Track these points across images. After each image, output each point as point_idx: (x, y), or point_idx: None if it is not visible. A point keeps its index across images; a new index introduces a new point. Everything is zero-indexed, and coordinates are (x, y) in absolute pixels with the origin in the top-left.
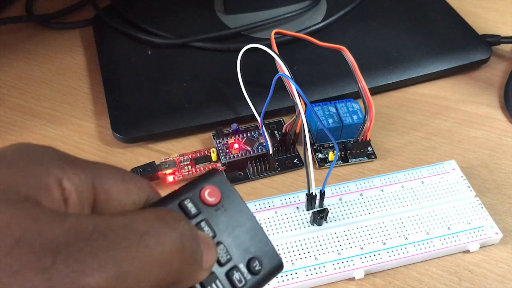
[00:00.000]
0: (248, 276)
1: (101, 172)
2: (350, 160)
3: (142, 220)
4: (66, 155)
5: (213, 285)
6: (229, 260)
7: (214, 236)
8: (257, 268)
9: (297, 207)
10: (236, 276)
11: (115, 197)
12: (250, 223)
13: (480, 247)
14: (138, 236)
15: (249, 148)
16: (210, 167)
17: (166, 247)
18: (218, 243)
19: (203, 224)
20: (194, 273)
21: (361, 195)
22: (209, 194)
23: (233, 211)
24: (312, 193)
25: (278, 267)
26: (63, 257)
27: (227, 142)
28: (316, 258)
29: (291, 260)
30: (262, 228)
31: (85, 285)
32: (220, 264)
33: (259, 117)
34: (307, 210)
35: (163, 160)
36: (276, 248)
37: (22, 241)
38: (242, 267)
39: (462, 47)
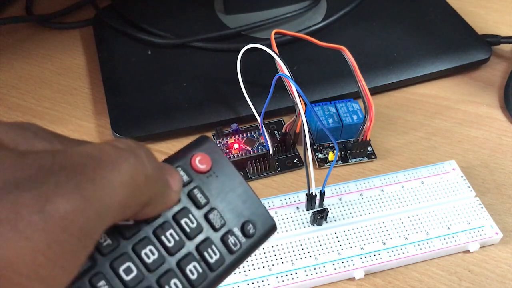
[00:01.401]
0: (243, 239)
1: (87, 143)
2: (350, 160)
3: (93, 147)
4: (55, 132)
5: (209, 250)
6: (223, 225)
7: (207, 203)
8: (251, 231)
9: (297, 207)
10: (231, 240)
11: None
12: (242, 188)
13: (480, 247)
14: (92, 161)
15: (249, 148)
16: None
17: (124, 167)
18: (212, 209)
19: (196, 191)
20: (164, 193)
21: (361, 195)
22: (200, 161)
23: (224, 177)
24: (312, 193)
25: (271, 229)
26: (26, 191)
27: (227, 142)
28: (316, 258)
29: (291, 260)
30: (253, 191)
31: (54, 211)
32: (215, 229)
33: (259, 117)
34: (307, 210)
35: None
36: (269, 210)
37: None
38: (237, 231)
39: (462, 47)
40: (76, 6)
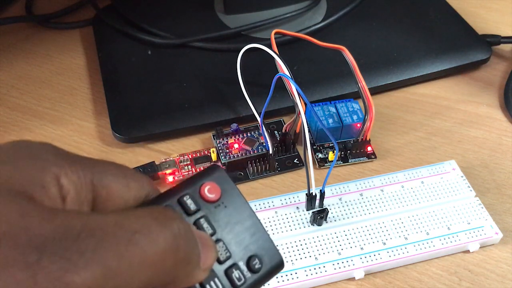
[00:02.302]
0: (248, 274)
1: (100, 169)
2: (350, 160)
3: (134, 218)
4: (65, 152)
5: (212, 283)
6: (228, 258)
7: (213, 233)
8: (257, 266)
9: (297, 207)
10: (235, 274)
11: (116, 194)
12: (251, 220)
13: (480, 247)
14: (128, 234)
15: (249, 148)
16: None
17: (158, 247)
18: (218, 240)
19: (202, 220)
20: (190, 274)
21: (361, 195)
22: (209, 190)
23: (233, 208)
24: (312, 193)
25: (278, 265)
26: (48, 254)
27: (227, 142)
28: (316, 258)
29: (291, 260)
30: (263, 225)
31: (70, 283)
32: (219, 261)
33: (259, 117)
34: (307, 210)
35: (163, 160)
36: (277, 247)
37: (7, 236)
38: (242, 265)
39: (462, 47)
40: (76, 6)
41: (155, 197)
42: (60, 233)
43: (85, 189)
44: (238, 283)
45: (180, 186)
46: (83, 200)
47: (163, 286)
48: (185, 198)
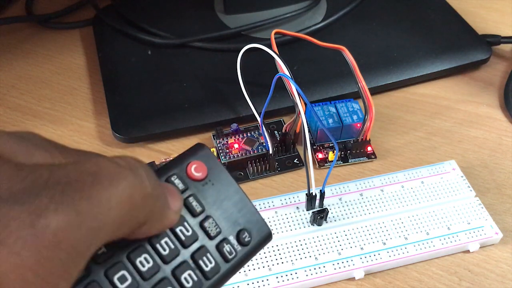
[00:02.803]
0: (239, 248)
1: (89, 157)
2: (350, 160)
3: (92, 163)
4: (56, 142)
5: (204, 258)
6: (219, 233)
7: (202, 211)
8: (246, 239)
9: (297, 207)
10: (226, 248)
11: None
12: (238, 196)
13: (480, 247)
14: (90, 177)
15: (249, 148)
16: None
17: (122, 184)
18: (207, 217)
19: (191, 199)
20: (162, 213)
21: (361, 195)
22: (195, 169)
23: (220, 185)
24: (312, 193)
25: (267, 237)
26: (18, 204)
27: (227, 142)
28: (316, 258)
29: (291, 260)
30: (249, 199)
31: (45, 227)
32: (210, 237)
33: (259, 117)
34: (307, 210)
35: (163, 160)
36: (265, 219)
37: None
38: (232, 239)
39: (462, 47)
40: (76, 6)
41: None
42: (27, 183)
43: None
44: (230, 257)
45: (166, 166)
46: None
47: (138, 225)
48: (172, 178)
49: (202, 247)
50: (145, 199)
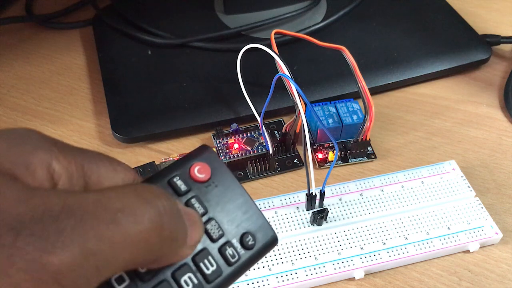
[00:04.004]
0: (242, 251)
1: (89, 155)
2: (350, 160)
3: (116, 196)
4: (55, 140)
5: (206, 261)
6: (221, 236)
7: (205, 213)
8: (250, 243)
9: (297, 207)
10: (229, 251)
11: (105, 178)
12: (242, 198)
13: (480, 247)
14: (110, 213)
15: (249, 148)
16: None
17: (142, 226)
18: (210, 219)
19: (193, 201)
20: (176, 250)
21: (361, 195)
22: (198, 170)
23: (224, 187)
24: (312, 193)
25: (272, 241)
26: (25, 235)
27: (227, 142)
28: (316, 258)
29: (291, 260)
30: (254, 202)
31: (48, 264)
32: (213, 240)
33: (259, 117)
34: (307, 210)
35: (163, 160)
36: (270, 223)
37: None
38: (235, 242)
39: (462, 47)
40: (76, 6)
41: (144, 180)
42: (38, 213)
43: (76, 174)
44: (232, 260)
45: (169, 168)
46: (74, 185)
47: (147, 263)
48: (175, 179)
49: (203, 249)
50: (161, 241)
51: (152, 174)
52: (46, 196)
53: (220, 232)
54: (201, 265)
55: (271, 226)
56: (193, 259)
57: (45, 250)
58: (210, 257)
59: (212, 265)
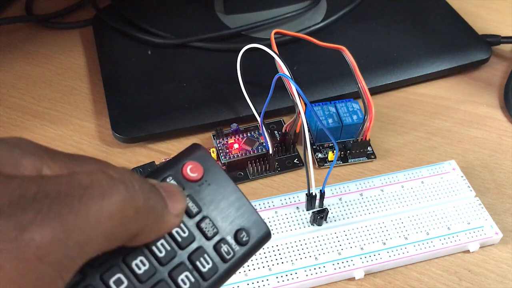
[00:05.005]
0: (236, 248)
1: (80, 161)
2: (350, 160)
3: (85, 174)
4: (45, 147)
5: (202, 259)
6: (216, 234)
7: (199, 212)
8: (244, 239)
9: (297, 207)
10: (224, 248)
11: None
12: (235, 195)
13: (480, 247)
14: (80, 190)
15: (249, 148)
16: None
17: (112, 198)
18: (204, 218)
19: (187, 200)
20: (159, 221)
21: (361, 195)
22: (191, 170)
23: (216, 185)
24: (312, 193)
25: (266, 236)
26: (4, 216)
27: (227, 142)
28: (316, 258)
29: (291, 260)
30: (247, 199)
31: (29, 240)
32: (207, 238)
33: (259, 117)
34: (307, 210)
35: (163, 160)
36: (265, 219)
37: None
38: (230, 239)
39: (462, 47)
40: (76, 6)
41: None
42: (16, 196)
43: None
44: (227, 257)
45: (162, 168)
46: None
47: (132, 237)
48: (168, 180)
49: (199, 248)
50: (137, 212)
51: (145, 175)
52: (22, 181)
53: (215, 230)
54: (197, 263)
55: (264, 221)
56: (189, 258)
57: (25, 228)
58: (205, 255)
59: (208, 263)
